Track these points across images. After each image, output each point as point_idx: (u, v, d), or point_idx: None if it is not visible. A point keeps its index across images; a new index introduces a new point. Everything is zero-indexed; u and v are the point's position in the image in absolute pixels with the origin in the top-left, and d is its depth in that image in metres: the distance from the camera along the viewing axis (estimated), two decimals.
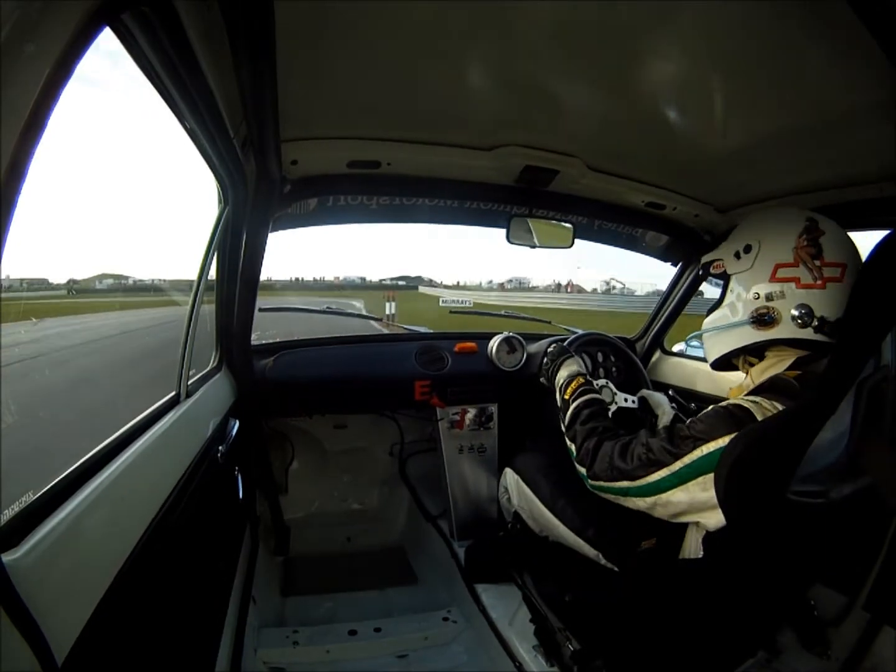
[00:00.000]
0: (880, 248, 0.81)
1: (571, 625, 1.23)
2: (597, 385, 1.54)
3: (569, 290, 26.41)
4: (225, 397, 1.41)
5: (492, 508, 1.84)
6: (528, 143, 1.36)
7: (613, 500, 1.03)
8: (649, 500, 0.95)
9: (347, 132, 1.28)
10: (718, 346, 1.10)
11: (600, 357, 1.75)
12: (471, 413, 1.87)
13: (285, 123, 1.01)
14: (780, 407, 0.88)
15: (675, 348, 2.23)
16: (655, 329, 2.08)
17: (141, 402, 0.92)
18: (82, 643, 0.51)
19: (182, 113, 0.82)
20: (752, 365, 1.08)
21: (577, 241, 1.67)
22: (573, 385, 1.27)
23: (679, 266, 1.96)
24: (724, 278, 1.10)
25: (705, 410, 0.97)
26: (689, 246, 1.83)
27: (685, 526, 0.98)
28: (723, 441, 0.86)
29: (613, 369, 1.72)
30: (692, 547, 0.97)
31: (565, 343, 1.68)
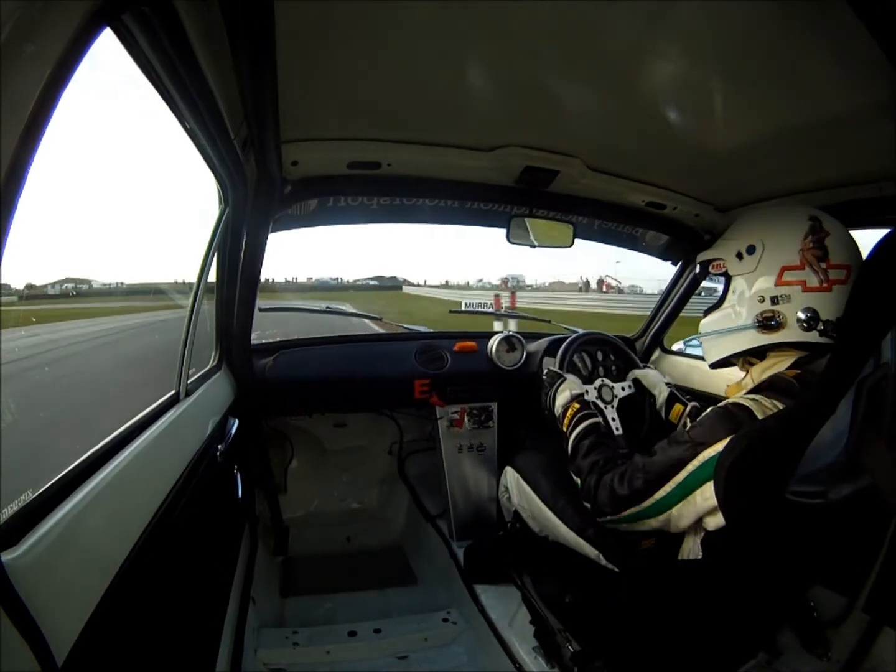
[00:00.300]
0: (880, 247, 0.81)
1: (571, 626, 1.23)
2: (595, 386, 1.56)
3: (604, 289, 20.63)
4: (224, 396, 1.42)
5: (491, 508, 1.84)
6: (529, 143, 1.36)
7: (629, 529, 1.02)
8: (661, 517, 0.95)
9: (348, 133, 1.29)
10: (720, 348, 1.09)
11: (600, 356, 1.75)
12: (470, 412, 1.87)
13: (286, 124, 1.01)
14: (780, 406, 0.88)
15: (675, 347, 2.23)
16: (655, 328, 2.08)
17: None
18: (82, 643, 0.50)
19: (182, 113, 0.82)
20: (752, 364, 1.07)
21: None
22: (569, 414, 1.25)
23: (679, 265, 1.96)
24: (726, 278, 1.08)
25: (705, 413, 0.97)
26: (689, 245, 1.83)
27: None
28: (721, 445, 0.86)
29: (613, 368, 1.72)
30: (691, 547, 0.97)
31: (566, 342, 1.68)
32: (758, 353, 1.04)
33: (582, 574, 1.20)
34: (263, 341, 1.89)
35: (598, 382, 1.58)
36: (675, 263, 1.98)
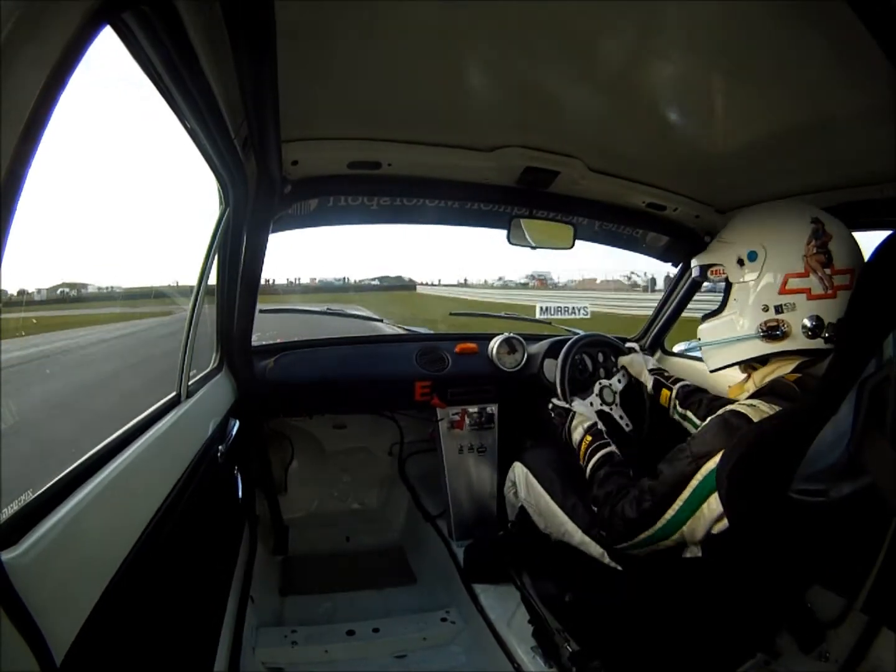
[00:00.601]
0: (881, 249, 0.81)
1: (570, 626, 1.23)
2: (597, 393, 1.57)
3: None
4: (225, 397, 1.42)
5: (491, 508, 1.84)
6: (529, 144, 1.36)
7: (649, 552, 1.01)
8: (675, 537, 0.95)
9: (348, 133, 1.29)
10: (723, 357, 1.07)
11: (601, 357, 1.75)
12: (471, 413, 1.87)
13: (286, 124, 1.01)
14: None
15: (676, 349, 2.22)
16: (656, 329, 2.08)
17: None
18: (81, 642, 0.51)
19: (183, 113, 0.82)
20: (754, 369, 1.06)
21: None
22: (583, 448, 1.24)
23: (679, 267, 1.96)
24: (726, 284, 1.06)
25: (705, 424, 0.97)
26: (690, 247, 1.83)
27: None
28: (720, 456, 0.86)
29: (614, 369, 1.73)
30: (691, 548, 0.97)
31: (567, 344, 1.69)
32: (761, 359, 1.03)
33: (583, 573, 1.20)
34: (264, 343, 1.89)
35: (597, 388, 1.59)
36: (675, 265, 1.98)
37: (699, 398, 1.37)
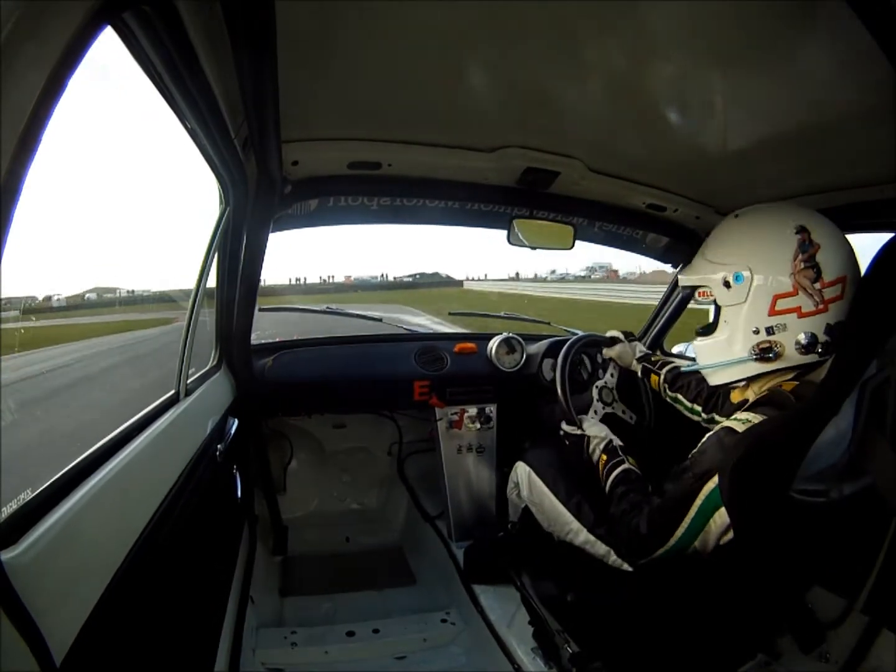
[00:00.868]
0: (883, 252, 0.81)
1: (570, 627, 1.23)
2: (597, 398, 1.58)
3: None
4: (224, 396, 1.42)
5: (491, 509, 1.84)
6: (529, 144, 1.36)
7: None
8: (690, 550, 0.95)
9: (348, 133, 1.29)
10: (720, 376, 1.07)
11: (600, 358, 1.75)
12: (470, 413, 1.87)
13: (286, 124, 1.01)
14: None
15: (676, 349, 2.22)
16: (655, 330, 2.08)
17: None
18: (81, 642, 0.50)
19: (183, 112, 0.82)
20: (753, 379, 1.06)
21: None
22: (601, 468, 1.24)
23: (679, 268, 1.96)
24: (715, 306, 1.04)
25: (703, 441, 0.97)
26: (690, 248, 1.82)
27: None
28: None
29: (613, 368, 1.73)
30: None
31: (566, 345, 1.68)
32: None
33: (584, 574, 1.19)
34: (263, 341, 1.88)
35: (595, 392, 1.59)
36: (675, 266, 1.98)
37: (687, 381, 1.38)
